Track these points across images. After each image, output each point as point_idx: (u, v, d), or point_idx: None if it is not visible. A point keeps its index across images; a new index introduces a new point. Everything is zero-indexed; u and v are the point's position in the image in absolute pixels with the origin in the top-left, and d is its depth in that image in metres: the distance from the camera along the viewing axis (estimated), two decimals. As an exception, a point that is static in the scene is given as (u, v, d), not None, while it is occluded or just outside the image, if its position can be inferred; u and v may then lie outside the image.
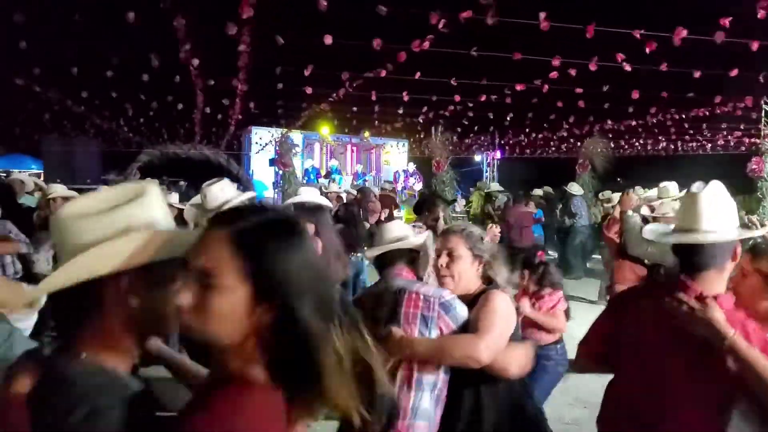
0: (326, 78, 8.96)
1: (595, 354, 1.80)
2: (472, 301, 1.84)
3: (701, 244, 1.55)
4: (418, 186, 15.97)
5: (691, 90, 9.75)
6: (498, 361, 1.68)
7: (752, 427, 1.45)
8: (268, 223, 0.85)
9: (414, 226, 5.23)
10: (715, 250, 1.55)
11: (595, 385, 3.72)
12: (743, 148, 15.98)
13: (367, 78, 8.53)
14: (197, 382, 1.16)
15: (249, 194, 3.83)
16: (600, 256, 8.03)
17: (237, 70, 8.24)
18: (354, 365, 0.86)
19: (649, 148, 20.92)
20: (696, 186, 1.63)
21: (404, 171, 16.89)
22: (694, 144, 18.80)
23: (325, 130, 16.07)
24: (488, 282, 1.95)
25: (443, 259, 1.93)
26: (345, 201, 6.74)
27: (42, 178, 16.66)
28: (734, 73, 7.39)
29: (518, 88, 9.16)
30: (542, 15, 5.60)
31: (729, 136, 15.72)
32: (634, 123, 14.10)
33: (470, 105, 11.63)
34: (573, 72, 7.73)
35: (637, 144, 19.65)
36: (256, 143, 15.77)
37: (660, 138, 18.14)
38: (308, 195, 4.08)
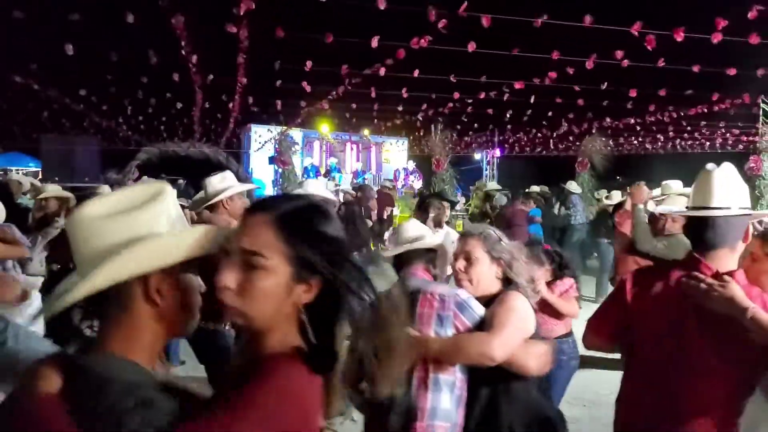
0: (326, 75, 8.97)
1: (607, 332, 1.80)
2: (490, 302, 1.83)
3: (713, 221, 1.57)
4: (418, 184, 15.97)
5: (689, 88, 9.77)
6: (518, 359, 1.68)
7: None
8: (306, 208, 0.91)
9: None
10: (727, 228, 1.57)
11: (594, 384, 3.75)
12: (741, 147, 16.01)
13: (366, 75, 8.53)
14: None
15: (249, 185, 3.84)
16: (597, 254, 8.04)
17: (236, 67, 8.25)
18: (376, 350, 0.90)
19: (648, 146, 20.94)
20: (709, 166, 1.67)
21: (404, 169, 16.89)
22: (693, 142, 18.82)
23: (324, 127, 16.07)
24: (508, 283, 1.92)
25: (461, 263, 1.91)
26: (343, 200, 6.74)
27: (40, 177, 16.67)
28: (732, 72, 7.40)
29: (517, 86, 9.17)
30: (541, 15, 5.60)
31: (727, 135, 15.74)
32: (632, 121, 14.12)
33: (469, 102, 11.64)
34: (571, 70, 7.75)
35: (635, 142, 19.66)
36: (256, 141, 15.76)
37: (658, 136, 18.16)
38: (313, 188, 4.09)
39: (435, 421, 1.65)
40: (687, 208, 1.70)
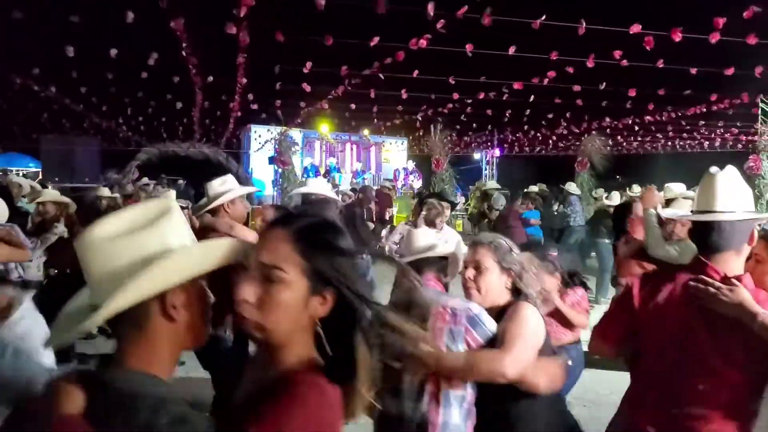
0: (325, 76, 8.98)
1: (614, 337, 1.79)
2: (500, 312, 1.80)
3: (719, 225, 1.57)
4: (418, 184, 15.99)
5: (688, 88, 9.79)
6: (528, 377, 1.66)
7: None
8: (321, 224, 0.96)
9: (406, 223, 5.26)
10: (732, 231, 1.57)
11: (595, 384, 3.76)
12: (740, 146, 16.03)
13: (365, 76, 8.55)
14: None
15: (250, 188, 3.85)
16: (596, 254, 8.03)
17: (236, 68, 8.26)
18: (385, 363, 0.94)
19: (647, 146, 20.96)
20: (713, 169, 1.67)
21: (404, 169, 16.91)
22: (692, 142, 18.85)
23: (324, 128, 16.09)
24: (517, 293, 1.89)
25: (470, 272, 1.88)
26: (343, 201, 6.74)
27: (40, 177, 16.67)
28: (730, 71, 7.42)
29: (516, 86, 9.18)
30: (539, 15, 5.61)
31: (726, 134, 15.76)
32: (631, 121, 14.14)
33: (469, 103, 11.66)
34: (571, 70, 7.76)
35: (635, 142, 19.68)
36: (256, 141, 15.78)
37: (658, 136, 18.18)
38: (316, 187, 4.10)
39: None
40: (692, 212, 1.71)
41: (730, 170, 1.66)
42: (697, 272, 1.59)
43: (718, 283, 1.52)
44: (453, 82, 9.05)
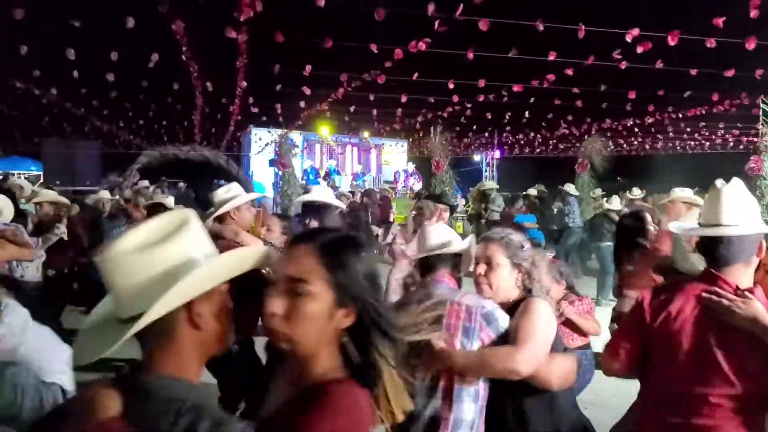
0: (326, 79, 9.00)
1: (626, 354, 1.76)
2: (511, 308, 1.81)
3: (727, 238, 1.58)
4: (418, 186, 15.98)
5: (688, 89, 9.79)
6: (540, 374, 1.67)
7: None
8: (344, 239, 1.01)
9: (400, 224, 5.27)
10: (740, 244, 1.58)
11: (595, 386, 3.74)
12: (741, 147, 16.01)
13: (365, 78, 8.56)
14: None
15: (254, 195, 3.86)
16: (596, 256, 8.03)
17: (236, 71, 8.28)
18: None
19: (647, 147, 20.95)
20: (719, 183, 1.68)
21: (404, 171, 16.92)
22: (693, 143, 18.84)
23: (324, 130, 16.11)
24: (528, 290, 1.90)
25: (481, 268, 1.90)
26: (348, 206, 6.73)
27: (41, 180, 16.70)
28: (730, 72, 7.42)
29: (516, 89, 9.19)
30: (539, 18, 5.62)
31: (727, 135, 15.75)
32: (632, 122, 14.14)
33: (468, 105, 11.67)
34: (570, 72, 7.77)
35: (635, 143, 19.67)
36: (256, 143, 15.79)
37: (658, 137, 18.17)
38: (318, 194, 4.12)
39: (458, 431, 1.65)
40: (699, 224, 1.71)
41: (736, 183, 1.67)
42: (708, 285, 1.59)
43: (732, 296, 1.53)
44: (452, 85, 9.07)
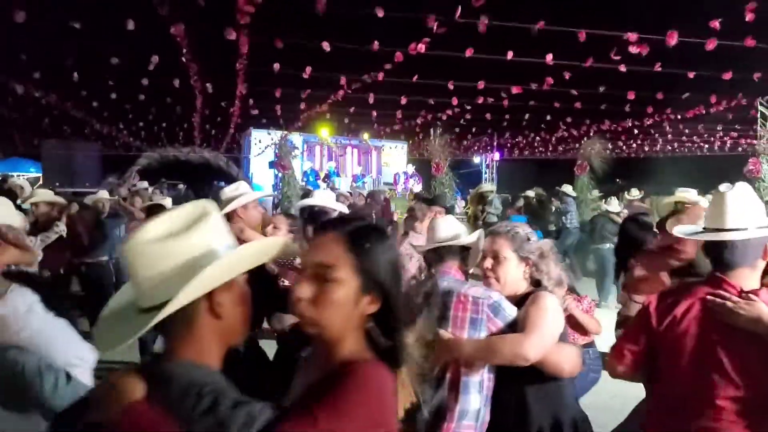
0: (325, 81, 9.02)
1: (632, 357, 1.76)
2: (519, 301, 1.83)
3: (731, 243, 1.59)
4: (418, 188, 15.98)
5: (686, 91, 9.81)
6: (552, 360, 1.69)
7: None
8: (369, 227, 1.04)
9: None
10: (746, 248, 1.59)
11: (599, 387, 3.73)
12: (740, 149, 16.04)
13: (365, 80, 8.58)
14: None
15: (260, 192, 3.87)
16: (594, 258, 8.03)
17: (236, 73, 8.29)
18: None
19: (646, 149, 20.98)
20: (723, 186, 1.69)
21: (404, 173, 16.92)
22: (692, 145, 18.86)
23: (324, 132, 16.12)
24: (536, 283, 1.92)
25: (488, 262, 1.92)
26: (350, 206, 6.72)
27: (41, 182, 16.69)
28: (728, 75, 7.44)
29: (515, 91, 9.21)
30: (538, 20, 5.64)
31: (726, 137, 15.78)
32: (631, 123, 14.16)
33: (468, 108, 11.69)
34: (568, 74, 7.79)
35: (634, 145, 19.70)
36: (256, 145, 15.81)
37: (657, 138, 18.20)
38: (319, 199, 4.15)
39: (463, 422, 1.67)
40: (704, 228, 1.71)
41: (741, 187, 1.68)
42: (713, 288, 1.60)
43: (735, 298, 1.54)
44: (452, 87, 9.09)
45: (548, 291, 1.86)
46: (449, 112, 12.01)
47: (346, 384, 0.87)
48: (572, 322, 2.94)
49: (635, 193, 9.55)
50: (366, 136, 17.60)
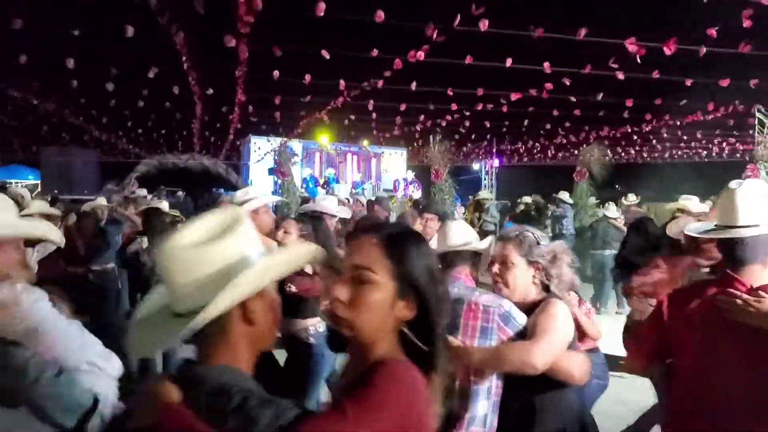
0: (325, 88, 9.04)
1: (645, 354, 1.83)
2: (530, 308, 1.82)
3: (742, 239, 1.59)
4: (417, 194, 16.00)
5: (684, 97, 9.86)
6: (562, 367, 1.70)
7: None
8: (406, 232, 1.06)
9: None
10: (756, 245, 1.59)
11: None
12: (738, 156, 16.11)
13: (365, 87, 8.61)
14: None
15: (272, 197, 3.87)
16: (592, 264, 8.01)
17: (235, 80, 8.31)
18: None
19: (645, 155, 21.06)
20: (733, 183, 1.69)
21: (404, 179, 16.94)
22: (689, 151, 18.94)
23: (324, 138, 16.15)
24: (547, 288, 1.91)
25: (497, 267, 1.92)
26: (358, 211, 6.71)
27: (39, 189, 16.67)
28: (726, 82, 7.47)
29: (514, 97, 9.25)
30: (537, 27, 5.66)
31: (724, 144, 15.85)
32: (629, 130, 14.22)
33: (467, 114, 11.73)
34: (567, 81, 7.82)
35: (632, 151, 19.77)
36: (255, 152, 15.82)
37: (655, 145, 18.27)
38: (323, 206, 4.15)
39: (471, 428, 1.66)
40: (715, 226, 1.72)
41: (752, 183, 1.68)
42: (724, 285, 1.61)
43: (745, 295, 1.54)
44: (451, 94, 9.12)
45: (559, 297, 1.85)
46: (448, 118, 12.05)
47: (376, 380, 0.88)
48: (575, 324, 2.92)
49: (632, 198, 9.57)
50: (365, 142, 17.64)
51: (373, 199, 9.85)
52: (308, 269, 2.99)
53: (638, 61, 6.02)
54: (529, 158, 22.42)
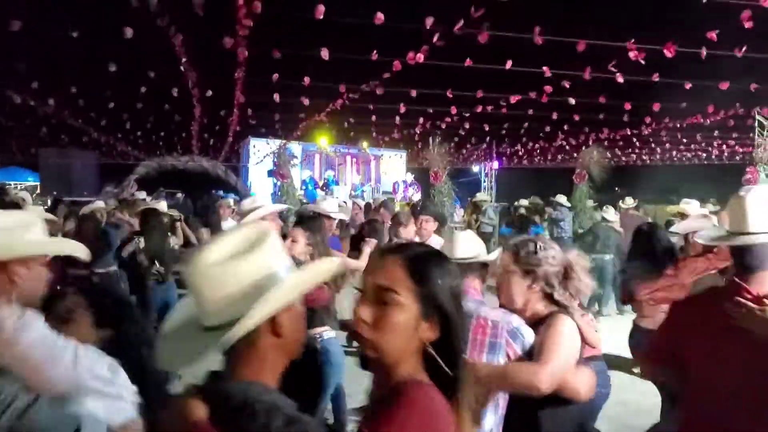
0: (324, 90, 9.04)
1: (656, 359, 1.85)
2: (537, 322, 1.81)
3: (752, 246, 1.59)
4: (417, 196, 15.99)
5: (684, 100, 9.86)
6: (569, 386, 1.71)
7: None
8: (430, 253, 1.05)
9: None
10: (765, 252, 1.59)
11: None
12: (738, 158, 16.12)
13: (364, 90, 8.60)
14: None
15: (280, 206, 3.87)
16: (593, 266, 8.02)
17: (235, 82, 8.30)
18: None
19: (644, 157, 21.07)
20: (743, 189, 1.69)
21: (403, 181, 16.94)
22: (689, 154, 18.95)
23: (323, 141, 16.16)
24: (554, 300, 1.86)
25: (496, 277, 1.93)
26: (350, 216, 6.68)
27: (38, 191, 16.65)
28: (725, 85, 7.47)
29: (513, 100, 9.25)
30: (535, 30, 5.66)
31: (724, 146, 15.86)
32: (629, 133, 14.23)
33: (466, 116, 11.73)
34: (567, 84, 7.82)
35: (632, 154, 19.79)
36: (254, 155, 15.82)
37: (654, 147, 18.29)
38: (317, 205, 4.15)
39: None
40: (726, 232, 1.72)
41: (761, 189, 1.68)
42: (733, 293, 1.60)
43: (750, 304, 1.54)
44: (451, 96, 9.12)
45: (565, 307, 1.82)
46: (448, 120, 12.05)
47: (397, 404, 0.89)
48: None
49: (629, 202, 9.58)
50: (365, 144, 17.65)
51: (371, 201, 9.86)
52: None
53: (642, 61, 6.01)
54: (529, 160, 22.44)
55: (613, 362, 3.41)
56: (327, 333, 3.04)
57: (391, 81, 7.67)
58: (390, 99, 9.64)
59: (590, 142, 13.31)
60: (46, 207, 8.43)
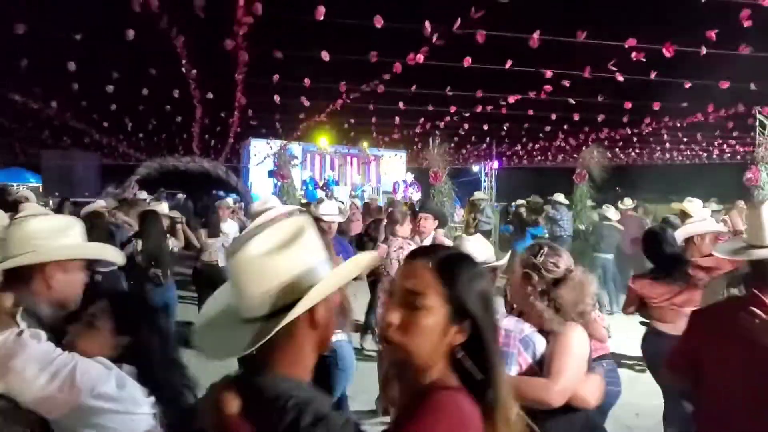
0: (324, 90, 9.05)
1: (680, 367, 1.89)
2: (549, 330, 1.82)
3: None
4: (417, 196, 16.01)
5: (684, 100, 9.86)
6: (579, 395, 1.73)
7: None
8: (459, 256, 1.05)
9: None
10: None
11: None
12: (739, 158, 16.10)
13: (364, 90, 8.61)
14: None
15: (290, 207, 3.89)
16: (591, 267, 8.03)
17: (235, 83, 8.32)
18: None
19: (645, 157, 21.04)
20: (759, 201, 1.72)
21: (403, 181, 16.95)
22: (690, 153, 18.92)
23: (323, 141, 16.18)
24: (557, 309, 1.85)
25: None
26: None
27: (41, 191, 16.67)
28: (725, 84, 7.47)
29: (513, 99, 9.25)
30: (535, 30, 5.67)
31: (725, 146, 15.84)
32: (629, 132, 14.21)
33: (466, 116, 11.73)
34: (567, 83, 7.83)
35: (632, 153, 19.75)
36: (255, 155, 15.84)
37: (655, 147, 18.25)
38: (322, 211, 4.16)
39: None
40: (745, 245, 1.76)
41: None
42: (750, 305, 1.64)
43: (764, 316, 1.56)
44: (450, 96, 9.13)
45: (572, 321, 1.82)
46: (448, 120, 12.05)
47: (425, 408, 0.89)
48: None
49: (628, 202, 9.60)
50: (365, 145, 17.67)
51: (369, 201, 9.88)
52: None
53: (643, 59, 6.02)
54: (529, 160, 22.42)
55: (619, 359, 3.40)
56: (339, 336, 3.03)
57: (391, 81, 7.69)
58: (390, 99, 9.65)
59: (590, 142, 13.30)
60: (50, 207, 8.46)
